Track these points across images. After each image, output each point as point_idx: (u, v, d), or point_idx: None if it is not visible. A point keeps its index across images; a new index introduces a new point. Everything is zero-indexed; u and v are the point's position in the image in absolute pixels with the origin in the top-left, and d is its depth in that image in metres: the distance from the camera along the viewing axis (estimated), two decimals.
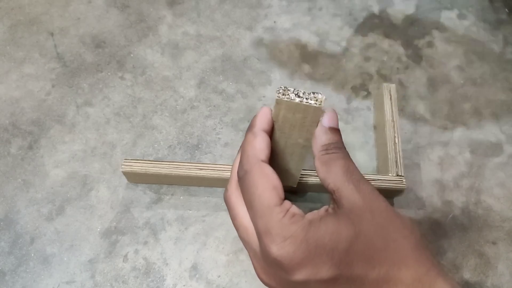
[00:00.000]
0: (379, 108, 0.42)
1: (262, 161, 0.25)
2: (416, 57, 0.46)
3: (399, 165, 0.37)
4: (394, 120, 0.39)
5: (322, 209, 0.25)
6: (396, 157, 0.37)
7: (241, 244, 0.36)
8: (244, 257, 0.36)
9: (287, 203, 0.24)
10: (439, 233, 0.37)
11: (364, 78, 0.45)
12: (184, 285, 0.34)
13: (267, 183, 0.24)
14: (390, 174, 0.37)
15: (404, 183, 0.36)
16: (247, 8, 0.49)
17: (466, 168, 0.40)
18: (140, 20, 0.47)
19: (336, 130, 0.26)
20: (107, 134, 0.41)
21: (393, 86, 0.41)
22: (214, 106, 0.43)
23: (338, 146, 0.26)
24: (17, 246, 0.35)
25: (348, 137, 0.41)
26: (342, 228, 0.22)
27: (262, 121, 0.26)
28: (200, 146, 0.40)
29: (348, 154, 0.26)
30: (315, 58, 0.46)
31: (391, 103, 0.40)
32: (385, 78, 0.45)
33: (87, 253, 0.35)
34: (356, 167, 0.25)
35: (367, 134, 0.42)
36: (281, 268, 0.23)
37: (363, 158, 0.40)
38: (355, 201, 0.23)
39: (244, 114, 0.42)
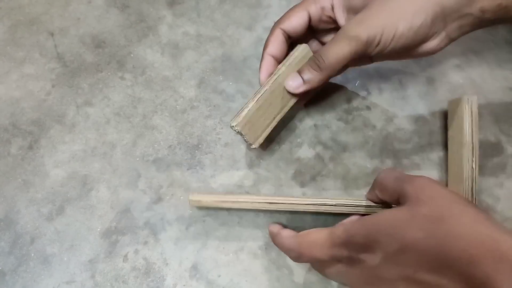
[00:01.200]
0: (454, 124, 0.38)
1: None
2: None
3: (474, 194, 0.34)
4: (474, 142, 0.35)
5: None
6: (472, 185, 0.34)
7: (241, 244, 0.36)
8: (245, 256, 0.36)
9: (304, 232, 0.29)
10: None
11: (363, 77, 0.45)
12: (184, 285, 0.34)
13: (289, 238, 0.30)
14: None
15: None
16: (247, 8, 0.49)
17: None
18: (140, 20, 0.47)
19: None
20: (107, 134, 0.41)
21: (474, 100, 0.36)
22: (214, 106, 0.43)
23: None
24: (17, 246, 0.35)
25: (348, 137, 0.41)
26: (397, 212, 0.25)
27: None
28: (200, 146, 0.40)
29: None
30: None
31: (472, 121, 0.35)
32: (384, 78, 0.45)
33: (87, 253, 0.35)
34: (404, 173, 0.28)
35: (367, 134, 0.42)
36: (357, 259, 0.26)
37: (363, 158, 0.40)
38: (409, 195, 0.25)
39: None
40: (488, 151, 0.41)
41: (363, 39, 0.30)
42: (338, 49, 0.31)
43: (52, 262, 0.35)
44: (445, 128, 0.43)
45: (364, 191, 0.39)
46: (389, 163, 0.41)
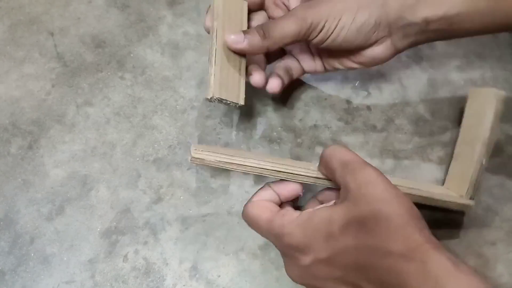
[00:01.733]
0: (473, 114, 0.36)
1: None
2: (416, 57, 0.46)
3: (476, 189, 0.34)
4: (491, 139, 0.33)
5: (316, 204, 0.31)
6: (477, 180, 0.34)
7: (241, 244, 0.36)
8: (245, 256, 0.36)
9: (285, 209, 0.29)
10: (438, 234, 0.37)
11: (364, 77, 0.45)
12: (184, 285, 0.34)
13: (262, 211, 0.29)
14: (461, 195, 0.34)
15: (471, 206, 0.34)
16: None
17: None
18: (140, 20, 0.47)
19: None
20: (107, 134, 0.41)
21: (501, 94, 0.35)
22: (214, 106, 0.43)
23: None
24: (17, 246, 0.35)
25: (349, 137, 0.41)
26: (334, 214, 0.25)
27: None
28: None
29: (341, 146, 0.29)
30: None
31: (494, 116, 0.34)
32: (384, 77, 0.45)
33: (87, 253, 0.35)
34: (352, 156, 0.27)
35: (367, 134, 0.42)
36: (292, 255, 0.27)
37: (363, 158, 0.40)
38: (350, 189, 0.25)
39: (245, 114, 0.42)
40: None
41: (308, 22, 0.32)
42: (284, 25, 0.32)
43: (51, 262, 0.35)
44: (446, 128, 0.43)
45: None
46: (389, 163, 0.41)
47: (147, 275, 0.34)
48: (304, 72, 0.40)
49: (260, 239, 0.36)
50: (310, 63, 0.39)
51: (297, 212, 0.28)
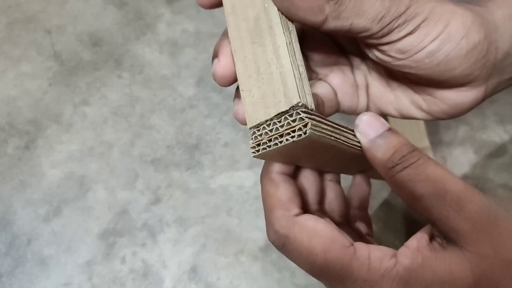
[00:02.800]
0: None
1: (298, 215, 0.18)
2: None
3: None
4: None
5: (419, 242, 0.18)
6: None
7: (241, 246, 0.36)
8: (245, 258, 0.35)
9: (362, 247, 0.18)
10: None
11: None
12: None
13: (322, 243, 0.18)
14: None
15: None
16: None
17: (469, 168, 0.40)
18: (138, 18, 0.46)
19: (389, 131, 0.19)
20: (104, 134, 0.40)
21: None
22: (213, 105, 0.42)
23: (408, 152, 0.18)
24: (14, 247, 0.35)
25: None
26: (455, 269, 0.17)
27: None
28: (199, 146, 0.40)
29: (428, 157, 0.18)
30: None
31: None
32: None
33: (85, 254, 0.35)
34: (445, 172, 0.18)
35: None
36: None
37: None
38: (466, 233, 0.17)
39: None
40: (493, 151, 0.41)
41: (404, 3, 0.19)
42: None
43: (49, 264, 0.34)
44: (449, 128, 0.42)
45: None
46: None
47: (146, 277, 0.34)
48: (338, 109, 0.24)
49: (261, 241, 0.36)
50: (351, 101, 0.24)
51: (379, 252, 0.18)
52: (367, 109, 0.25)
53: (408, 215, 0.38)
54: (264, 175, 0.20)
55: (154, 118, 0.41)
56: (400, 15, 0.18)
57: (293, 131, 0.17)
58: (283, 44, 0.18)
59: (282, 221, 0.18)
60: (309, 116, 0.17)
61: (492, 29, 0.21)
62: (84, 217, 0.36)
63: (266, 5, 0.19)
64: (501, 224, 0.17)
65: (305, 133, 0.17)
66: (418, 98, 0.23)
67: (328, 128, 0.18)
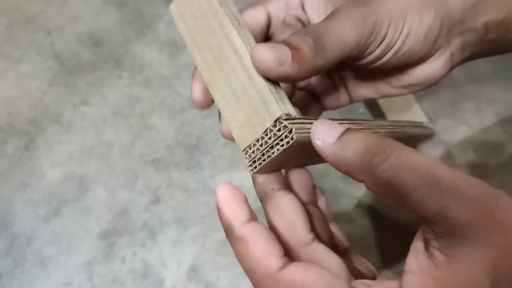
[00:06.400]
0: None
1: (282, 268, 0.16)
2: None
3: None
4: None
5: (418, 260, 0.16)
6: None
7: None
8: None
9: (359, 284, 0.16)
10: None
11: None
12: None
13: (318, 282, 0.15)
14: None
15: None
16: (247, 5, 0.48)
17: (468, 168, 0.40)
18: (138, 18, 0.46)
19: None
20: (104, 134, 0.40)
21: None
22: (213, 105, 0.42)
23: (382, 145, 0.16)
24: (14, 247, 0.35)
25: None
26: (472, 283, 0.14)
27: (235, 210, 0.17)
28: (199, 146, 0.40)
29: (406, 146, 0.16)
30: None
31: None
32: None
33: (85, 254, 0.35)
34: (430, 159, 0.16)
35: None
36: None
37: None
38: (473, 223, 0.14)
39: None
40: (491, 151, 0.41)
41: (370, 22, 0.20)
42: (338, 29, 0.19)
43: (49, 264, 0.34)
44: (447, 127, 0.42)
45: (365, 190, 0.39)
46: None
47: (145, 277, 0.34)
48: (322, 111, 0.27)
49: None
50: (333, 98, 0.27)
51: None
52: (350, 100, 0.27)
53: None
54: (229, 235, 0.17)
55: (154, 118, 0.41)
56: (371, 34, 0.20)
57: (281, 140, 0.18)
58: (252, 65, 0.19)
59: (268, 283, 0.16)
60: (291, 122, 0.18)
61: (442, 2, 0.22)
62: (84, 217, 0.36)
63: (226, 31, 0.20)
64: (508, 207, 0.15)
65: (292, 138, 0.17)
66: (392, 79, 0.25)
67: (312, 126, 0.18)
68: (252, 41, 0.20)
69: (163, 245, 0.35)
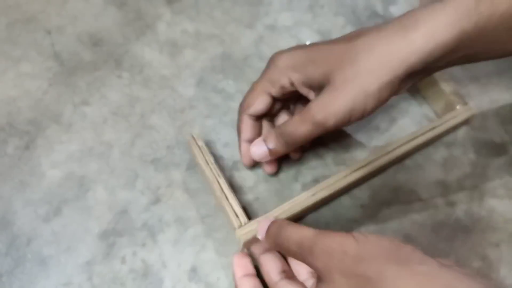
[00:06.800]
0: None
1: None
2: None
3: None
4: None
5: None
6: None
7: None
8: None
9: None
10: (441, 235, 0.36)
11: None
12: None
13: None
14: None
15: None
16: (247, 5, 0.48)
17: (470, 168, 0.40)
18: (138, 18, 0.46)
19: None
20: (104, 134, 0.40)
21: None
22: (213, 105, 0.42)
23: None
24: (13, 247, 0.35)
25: (351, 138, 0.41)
26: None
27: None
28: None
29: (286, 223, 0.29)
30: None
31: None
32: None
33: (85, 254, 0.35)
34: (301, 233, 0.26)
35: (369, 135, 0.41)
36: None
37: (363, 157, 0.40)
38: (321, 272, 0.24)
39: None
40: (493, 152, 0.41)
41: (330, 124, 0.29)
42: (302, 130, 0.31)
43: (49, 263, 0.34)
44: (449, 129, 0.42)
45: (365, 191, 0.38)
46: None
47: (145, 277, 0.34)
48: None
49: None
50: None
51: None
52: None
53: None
54: None
55: (154, 118, 0.41)
56: (323, 131, 0.31)
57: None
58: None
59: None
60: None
61: (406, 69, 0.28)
62: (84, 217, 0.36)
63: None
64: (351, 253, 0.22)
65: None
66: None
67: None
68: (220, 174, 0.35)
69: (163, 245, 0.35)
